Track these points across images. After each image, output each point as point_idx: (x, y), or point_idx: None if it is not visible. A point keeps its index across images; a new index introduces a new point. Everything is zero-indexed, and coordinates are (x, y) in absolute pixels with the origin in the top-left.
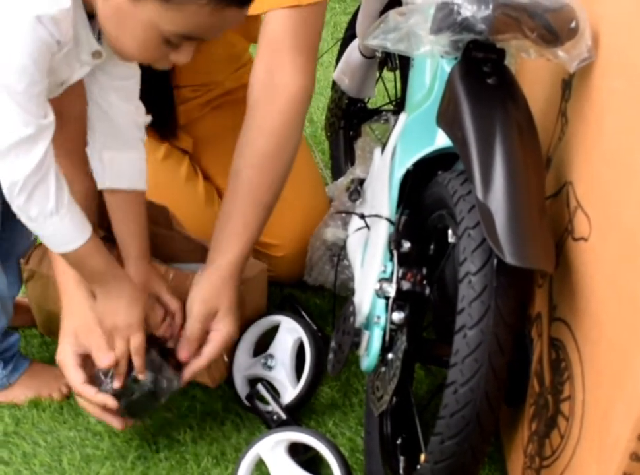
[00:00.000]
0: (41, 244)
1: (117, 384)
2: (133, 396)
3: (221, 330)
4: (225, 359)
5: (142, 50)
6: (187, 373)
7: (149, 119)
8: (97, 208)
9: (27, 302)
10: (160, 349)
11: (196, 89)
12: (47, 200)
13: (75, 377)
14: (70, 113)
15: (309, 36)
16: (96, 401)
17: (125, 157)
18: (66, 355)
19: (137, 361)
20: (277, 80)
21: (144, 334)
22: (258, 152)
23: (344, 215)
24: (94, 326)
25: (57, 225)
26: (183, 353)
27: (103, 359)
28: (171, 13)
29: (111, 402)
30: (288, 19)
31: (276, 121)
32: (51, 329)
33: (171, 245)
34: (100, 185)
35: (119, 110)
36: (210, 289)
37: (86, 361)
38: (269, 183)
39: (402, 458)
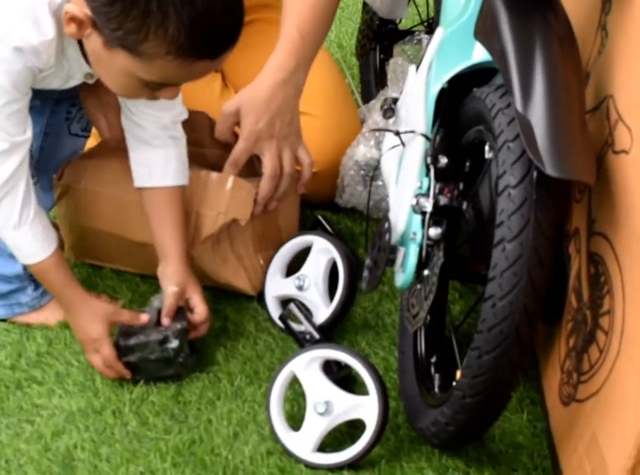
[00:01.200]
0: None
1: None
2: (150, 354)
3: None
4: (262, 262)
5: (124, 91)
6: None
7: (184, 115)
8: None
9: (56, 224)
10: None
11: None
12: (11, 213)
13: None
14: None
15: None
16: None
17: (151, 155)
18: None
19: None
20: None
21: (110, 347)
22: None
23: (376, 134)
24: None
25: (19, 238)
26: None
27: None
28: (142, 64)
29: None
30: None
31: None
32: (82, 250)
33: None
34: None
35: (144, 114)
36: None
37: None
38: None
39: (436, 376)
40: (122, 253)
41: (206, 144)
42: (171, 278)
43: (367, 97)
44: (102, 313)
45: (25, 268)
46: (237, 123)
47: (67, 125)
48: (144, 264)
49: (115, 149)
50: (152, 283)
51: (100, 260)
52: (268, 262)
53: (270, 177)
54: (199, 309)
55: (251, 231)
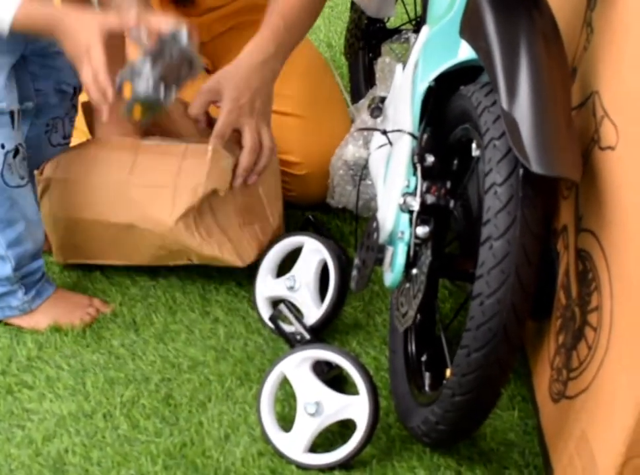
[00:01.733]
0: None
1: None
2: (166, 58)
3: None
4: (261, 238)
5: None
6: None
7: None
8: None
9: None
10: None
11: None
12: None
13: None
14: None
15: None
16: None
17: None
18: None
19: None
20: None
21: (101, 53)
22: None
23: (365, 134)
24: None
25: None
26: None
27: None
28: None
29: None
30: None
31: None
32: (69, 248)
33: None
34: None
35: None
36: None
37: None
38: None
39: (427, 374)
40: (109, 244)
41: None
42: None
43: (356, 96)
44: (92, 19)
45: (15, 270)
46: (212, 102)
47: (47, 137)
48: (131, 252)
49: (96, 143)
50: (141, 287)
51: (88, 257)
52: (254, 237)
53: (250, 150)
54: None
55: (233, 204)
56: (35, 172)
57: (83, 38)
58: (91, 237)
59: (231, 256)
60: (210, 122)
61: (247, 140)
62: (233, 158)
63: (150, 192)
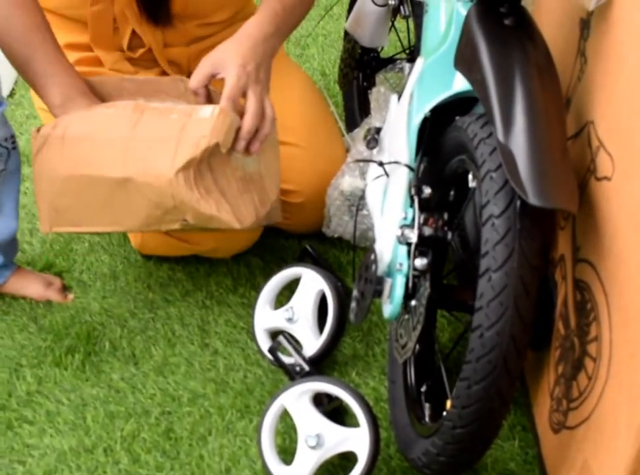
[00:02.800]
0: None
1: None
2: None
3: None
4: (259, 208)
5: None
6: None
7: None
8: None
9: None
10: None
11: (203, 25)
12: None
13: None
14: None
15: None
16: None
17: None
18: None
19: None
20: None
21: None
22: None
23: (361, 164)
24: None
25: None
26: None
27: None
28: None
29: None
30: None
31: None
32: (59, 214)
33: None
34: None
35: None
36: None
37: None
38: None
39: (427, 405)
40: (101, 205)
41: None
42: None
43: (351, 125)
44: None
45: None
46: (213, 76)
47: None
48: (124, 215)
49: (100, 105)
50: (140, 319)
51: (76, 223)
52: (252, 204)
53: (253, 115)
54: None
55: (233, 171)
56: (32, 130)
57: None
58: (83, 197)
59: (228, 215)
60: (210, 97)
61: (251, 104)
62: (239, 119)
63: (151, 146)
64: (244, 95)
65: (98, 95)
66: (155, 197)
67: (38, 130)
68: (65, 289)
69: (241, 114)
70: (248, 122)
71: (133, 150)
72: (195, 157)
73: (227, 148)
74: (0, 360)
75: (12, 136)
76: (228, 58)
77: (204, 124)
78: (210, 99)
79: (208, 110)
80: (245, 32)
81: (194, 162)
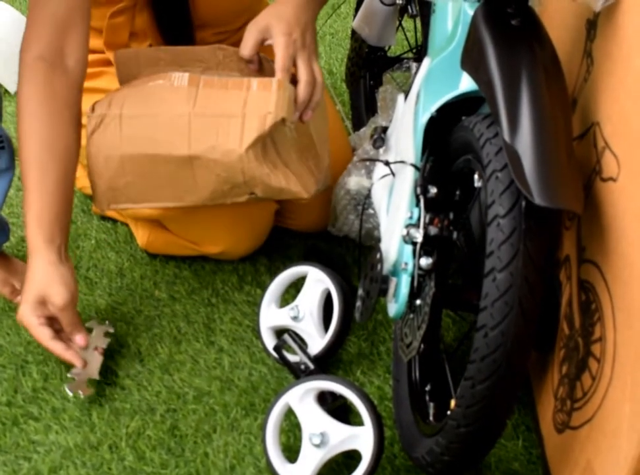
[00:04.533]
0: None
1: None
2: None
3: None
4: (317, 174)
5: None
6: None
7: None
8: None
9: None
10: None
11: (218, 33)
12: None
13: (42, 335)
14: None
15: None
16: (66, 358)
17: None
18: (28, 316)
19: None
20: None
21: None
22: None
23: (367, 163)
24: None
25: None
26: None
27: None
28: None
29: (79, 362)
30: None
31: None
32: (116, 192)
33: None
34: None
35: None
36: None
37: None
38: None
39: (431, 404)
40: (164, 182)
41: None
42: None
43: (357, 123)
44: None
45: None
46: (263, 40)
47: None
48: (187, 190)
49: (150, 79)
50: (146, 317)
51: (135, 200)
52: (311, 172)
53: (307, 83)
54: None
55: (291, 140)
56: (87, 110)
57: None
58: (145, 175)
59: (296, 187)
60: (261, 64)
61: (303, 73)
62: (294, 90)
63: (216, 123)
64: (294, 63)
65: (133, 67)
66: (224, 173)
67: (92, 109)
68: None
69: (292, 82)
70: (302, 91)
71: (197, 127)
72: (264, 133)
73: (292, 120)
74: (6, 356)
75: (1, 137)
76: (274, 25)
77: (266, 99)
78: (261, 66)
79: (266, 83)
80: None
81: (262, 138)
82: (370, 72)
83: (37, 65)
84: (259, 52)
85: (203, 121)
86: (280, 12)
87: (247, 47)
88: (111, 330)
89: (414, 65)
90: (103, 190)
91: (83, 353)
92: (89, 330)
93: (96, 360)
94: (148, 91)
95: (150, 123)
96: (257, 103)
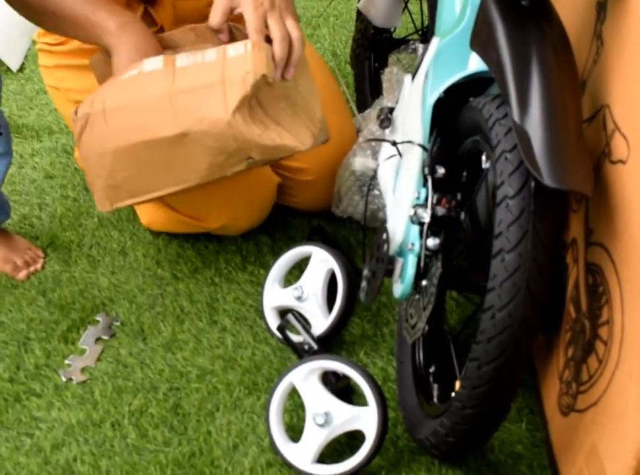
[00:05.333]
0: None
1: None
2: None
3: None
4: (311, 127)
5: None
6: None
7: None
8: None
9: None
10: None
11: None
12: None
13: None
14: None
15: None
16: None
17: None
18: None
19: None
20: None
21: None
22: None
23: (372, 144)
24: None
25: None
26: None
27: None
28: None
29: None
30: None
31: None
32: (117, 189)
33: None
34: None
35: None
36: None
37: None
38: None
39: (435, 386)
40: (161, 168)
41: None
42: None
43: (362, 105)
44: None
45: None
46: (232, 9)
47: None
48: (186, 170)
49: (127, 69)
50: (149, 295)
51: (138, 193)
52: (305, 125)
53: (280, 40)
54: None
55: (278, 98)
56: (70, 113)
57: None
58: (140, 165)
59: (291, 141)
60: (232, 34)
61: (274, 30)
62: (271, 49)
63: (198, 95)
64: (266, 25)
65: (109, 69)
66: (216, 143)
67: (75, 112)
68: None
69: (268, 42)
70: (277, 49)
71: (180, 104)
72: (247, 94)
73: (272, 77)
74: (9, 333)
75: None
76: None
77: (243, 60)
78: (232, 35)
79: (240, 47)
80: None
81: (246, 99)
82: (375, 54)
83: None
84: (229, 22)
85: (185, 97)
86: None
87: (216, 15)
88: (117, 323)
89: (420, 46)
90: (103, 189)
91: (86, 344)
92: (96, 322)
93: (96, 350)
94: (125, 82)
95: (135, 111)
96: (235, 67)
